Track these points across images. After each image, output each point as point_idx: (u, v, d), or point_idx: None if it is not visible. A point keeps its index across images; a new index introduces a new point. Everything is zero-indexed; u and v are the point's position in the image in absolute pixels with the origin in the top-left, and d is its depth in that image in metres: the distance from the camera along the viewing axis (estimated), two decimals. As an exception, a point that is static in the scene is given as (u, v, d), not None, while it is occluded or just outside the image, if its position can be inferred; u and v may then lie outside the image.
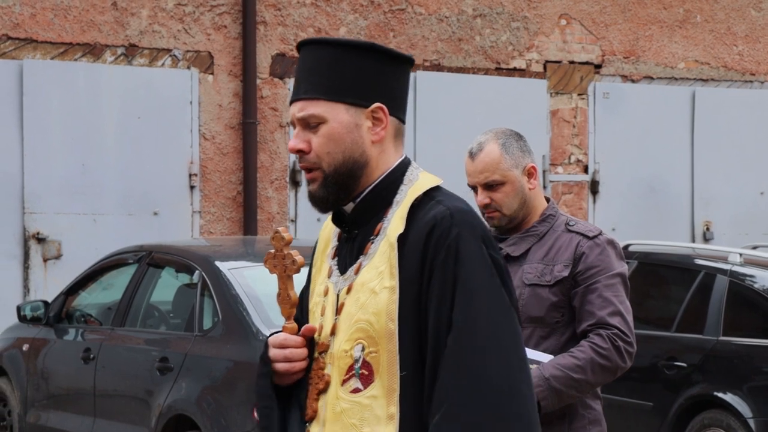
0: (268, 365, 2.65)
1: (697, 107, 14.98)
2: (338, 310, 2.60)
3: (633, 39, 14.66)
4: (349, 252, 2.67)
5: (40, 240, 12.07)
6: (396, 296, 2.53)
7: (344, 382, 2.55)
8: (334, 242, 2.75)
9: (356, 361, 2.58)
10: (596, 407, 4.38)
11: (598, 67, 14.43)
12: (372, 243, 2.60)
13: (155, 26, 12.47)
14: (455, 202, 2.58)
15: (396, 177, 2.64)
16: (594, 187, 14.64)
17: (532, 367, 4.12)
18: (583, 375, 4.25)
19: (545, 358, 4.33)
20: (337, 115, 2.55)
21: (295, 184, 12.99)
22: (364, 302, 2.58)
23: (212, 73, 12.92)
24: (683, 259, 9.90)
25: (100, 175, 12.31)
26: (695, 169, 14.85)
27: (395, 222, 2.61)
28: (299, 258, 2.62)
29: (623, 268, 4.44)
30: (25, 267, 12.09)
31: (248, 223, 12.98)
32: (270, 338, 2.65)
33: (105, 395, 8.71)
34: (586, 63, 14.37)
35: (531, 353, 4.21)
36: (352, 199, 2.63)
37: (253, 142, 13.09)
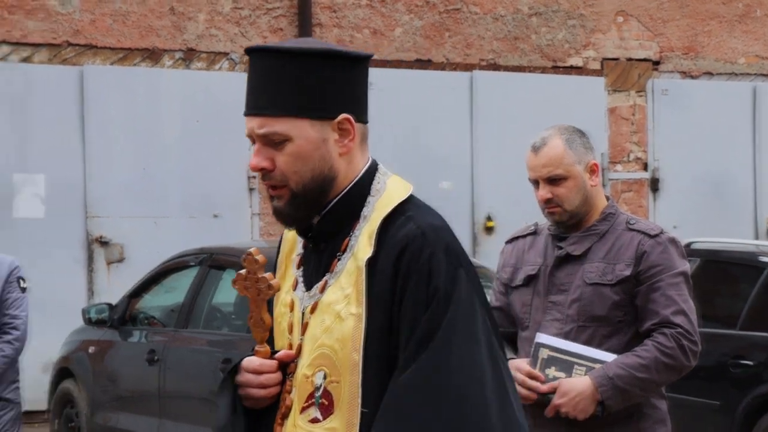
0: (231, 391, 2.54)
1: (758, 102, 14.78)
2: (303, 330, 2.50)
3: (692, 35, 14.49)
4: (315, 266, 2.55)
5: (103, 243, 12.12)
6: (363, 325, 2.42)
7: (303, 409, 2.46)
8: (299, 249, 2.62)
9: (317, 388, 2.48)
10: (662, 407, 4.35)
11: (656, 63, 14.27)
12: (338, 260, 2.49)
13: (212, 30, 12.54)
14: (427, 217, 2.48)
15: (363, 186, 2.52)
16: (654, 185, 14.49)
17: (595, 366, 4.26)
18: (648, 374, 4.22)
19: (608, 357, 4.30)
20: (302, 131, 2.43)
21: (352, 184, 12.67)
22: (329, 326, 2.47)
23: None
24: (747, 256, 9.74)
25: (160, 178, 12.39)
26: (757, 165, 14.69)
27: (363, 242, 2.50)
28: (275, 282, 2.51)
29: (686, 266, 4.40)
30: (89, 270, 12.16)
31: None
32: (244, 363, 2.51)
33: (170, 396, 8.74)
34: (644, 60, 14.22)
35: (594, 352, 4.30)
36: (318, 212, 2.52)
37: None
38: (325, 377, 2.44)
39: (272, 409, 2.53)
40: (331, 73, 2.46)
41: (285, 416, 2.47)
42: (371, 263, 2.40)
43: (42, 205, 12.03)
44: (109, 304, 9.44)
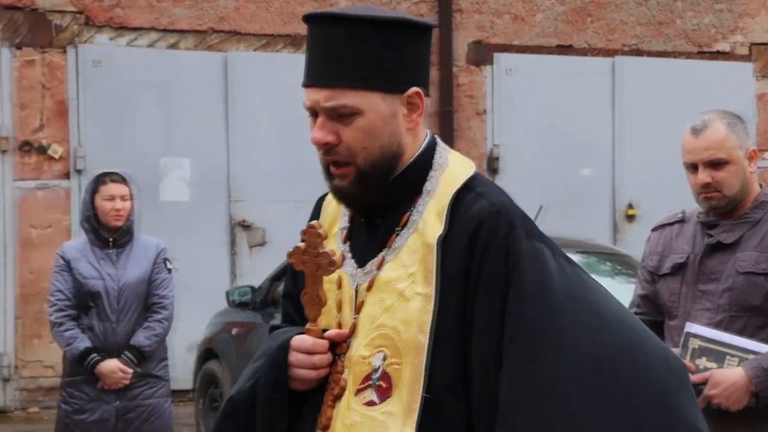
0: (283, 371, 2.41)
1: None
2: (357, 309, 2.40)
3: None
4: (368, 241, 2.44)
5: (246, 227, 12.32)
6: (431, 306, 2.32)
7: (358, 392, 2.35)
8: (344, 222, 2.50)
9: (375, 370, 2.38)
10: None
11: (808, 48, 13.59)
12: (397, 235, 2.38)
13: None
14: (498, 195, 2.37)
15: (425, 161, 2.41)
16: (804, 173, 13.52)
17: (749, 357, 4.18)
18: None
19: (763, 348, 4.20)
20: (373, 105, 2.30)
21: (493, 171, 12.81)
22: (390, 305, 2.37)
23: None
24: None
25: (302, 163, 11.94)
26: None
27: (431, 219, 2.39)
28: (337, 258, 2.37)
29: None
30: (232, 254, 12.38)
31: None
32: (294, 341, 2.39)
33: None
34: (796, 45, 13.60)
35: (747, 343, 4.24)
36: (382, 190, 2.40)
37: (450, 131, 12.91)
38: (384, 359, 2.36)
39: (315, 392, 2.42)
40: (403, 43, 2.35)
41: (338, 398, 2.38)
42: (442, 241, 2.32)
43: (187, 188, 12.22)
44: (252, 287, 9.59)
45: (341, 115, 2.28)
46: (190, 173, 12.24)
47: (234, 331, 9.87)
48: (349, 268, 2.40)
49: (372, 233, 2.40)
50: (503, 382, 2.27)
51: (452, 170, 2.38)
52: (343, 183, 2.33)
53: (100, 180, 7.03)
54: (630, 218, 13.23)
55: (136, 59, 11.96)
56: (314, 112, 2.33)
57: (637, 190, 13.30)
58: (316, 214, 2.54)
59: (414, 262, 2.34)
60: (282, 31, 12.37)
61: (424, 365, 2.28)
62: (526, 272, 2.29)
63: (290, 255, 2.38)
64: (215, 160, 12.26)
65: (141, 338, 6.93)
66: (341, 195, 2.36)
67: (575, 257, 8.27)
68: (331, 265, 2.35)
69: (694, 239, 4.45)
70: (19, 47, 11.57)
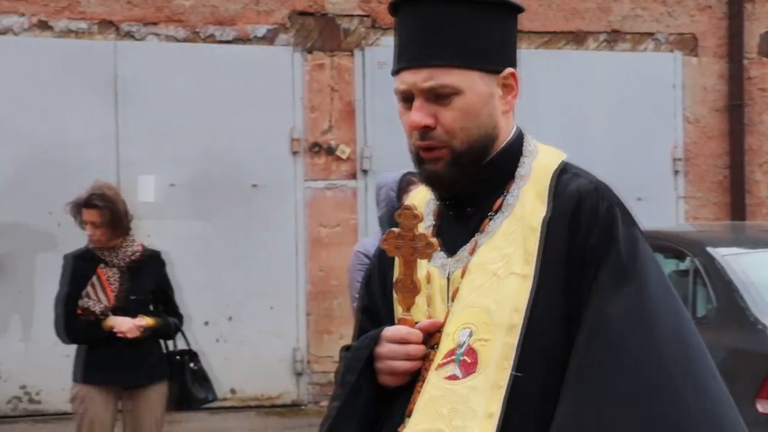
0: (369, 361, 2.41)
1: None
2: (453, 297, 2.40)
3: None
4: (461, 231, 2.43)
5: None
6: (529, 285, 2.31)
7: (440, 366, 2.35)
8: (428, 221, 2.49)
9: (459, 345, 2.37)
10: None
11: None
12: (490, 220, 2.37)
13: (638, 11, 12.48)
14: (593, 176, 2.36)
15: (516, 146, 2.41)
16: None
17: None
18: None
19: None
20: (473, 84, 2.30)
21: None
22: (482, 285, 2.36)
23: (696, 55, 12.65)
24: None
25: (588, 160, 11.99)
26: None
27: (529, 201, 2.38)
28: (435, 240, 2.37)
29: None
30: None
31: (736, 209, 12.60)
32: (386, 332, 2.40)
33: None
34: None
35: None
36: (473, 174, 2.40)
37: (740, 125, 12.66)
38: (471, 335, 2.35)
39: (401, 390, 2.40)
40: (498, 23, 2.34)
41: None
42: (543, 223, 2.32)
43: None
44: None
45: (439, 96, 2.28)
46: None
47: None
48: (438, 261, 2.40)
49: (463, 224, 2.40)
50: (574, 372, 2.25)
51: (544, 156, 2.38)
52: (436, 167, 2.33)
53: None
54: None
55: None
56: (407, 97, 2.32)
57: None
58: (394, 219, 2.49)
59: (510, 243, 2.33)
60: (564, 28, 12.31)
61: (516, 344, 2.26)
62: (622, 254, 2.28)
63: (384, 241, 2.39)
64: None
65: None
66: (434, 180, 2.35)
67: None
68: (428, 247, 2.34)
69: None
70: (309, 51, 11.94)
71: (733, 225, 11.73)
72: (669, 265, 8.70)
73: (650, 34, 12.43)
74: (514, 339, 2.27)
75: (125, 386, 7.02)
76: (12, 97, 10.95)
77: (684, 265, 8.43)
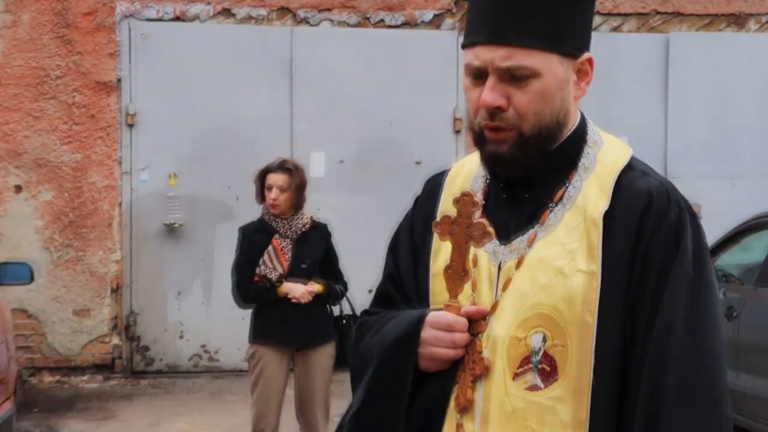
0: (414, 346, 2.29)
1: None
2: (504, 286, 2.28)
3: None
4: (512, 216, 2.31)
5: None
6: (597, 284, 2.20)
7: (516, 375, 2.23)
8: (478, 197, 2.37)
9: (534, 353, 2.25)
10: None
11: None
12: (551, 211, 2.26)
13: None
14: (661, 176, 2.27)
15: (581, 135, 2.29)
16: None
17: None
18: None
19: None
20: (551, 68, 2.19)
21: None
22: (548, 284, 2.24)
23: None
24: None
25: (737, 140, 12.34)
26: None
27: (593, 194, 2.27)
28: (492, 230, 2.24)
29: None
30: None
31: None
32: (431, 318, 2.27)
33: (751, 348, 8.73)
34: None
35: None
36: (538, 159, 2.28)
37: None
38: (545, 340, 2.25)
39: (444, 372, 2.30)
40: (581, 3, 2.26)
41: (478, 379, 2.26)
42: (605, 217, 2.23)
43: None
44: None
45: (515, 77, 2.18)
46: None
47: None
48: (489, 247, 2.31)
49: (516, 209, 2.30)
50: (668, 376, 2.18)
51: (610, 148, 2.29)
52: (501, 148, 2.22)
53: None
54: None
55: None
56: (479, 74, 2.22)
57: None
58: (432, 193, 2.44)
59: (574, 238, 2.24)
60: (725, 11, 12.16)
61: (593, 346, 2.19)
62: (690, 262, 2.19)
63: (437, 224, 2.28)
64: (653, 134, 12.18)
65: None
66: (496, 161, 2.25)
67: None
68: (485, 236, 2.24)
69: None
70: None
71: None
72: None
73: None
74: (590, 342, 2.20)
75: (296, 347, 7.14)
76: (196, 78, 11.33)
77: None
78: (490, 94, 2.17)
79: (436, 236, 2.32)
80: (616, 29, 12.06)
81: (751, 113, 12.30)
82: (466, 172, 2.39)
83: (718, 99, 12.21)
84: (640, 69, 12.15)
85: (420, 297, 2.37)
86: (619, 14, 12.12)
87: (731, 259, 9.61)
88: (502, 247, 2.28)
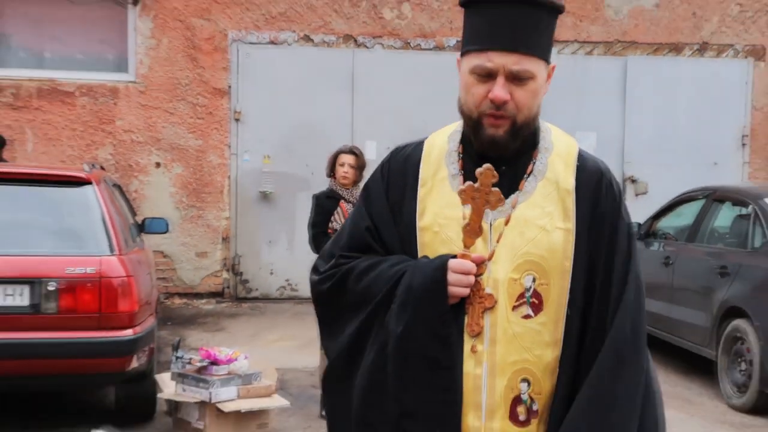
0: (445, 288, 2.20)
1: None
2: (497, 239, 2.25)
3: None
4: (495, 185, 2.26)
5: (633, 181, 12.35)
6: (572, 238, 2.23)
7: (515, 308, 2.23)
8: (453, 170, 2.32)
9: (527, 290, 2.26)
10: None
11: None
12: (525, 181, 2.25)
13: (723, 28, 12.22)
14: (598, 158, 2.33)
15: (538, 124, 2.29)
16: None
17: None
18: None
19: None
20: (540, 72, 2.18)
21: None
22: (534, 238, 2.24)
23: (764, 61, 12.34)
24: None
25: (675, 138, 12.32)
26: None
27: (560, 170, 2.29)
28: (502, 197, 2.22)
29: None
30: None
31: None
32: (454, 264, 2.20)
33: (679, 289, 8.78)
34: None
35: None
36: (522, 142, 2.26)
37: None
38: (534, 280, 2.24)
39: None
40: (554, 23, 2.24)
41: (486, 311, 2.23)
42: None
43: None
44: (638, 223, 9.46)
45: (517, 78, 2.16)
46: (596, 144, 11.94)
47: None
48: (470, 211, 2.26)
49: (499, 179, 2.25)
50: (621, 309, 2.20)
51: (559, 135, 2.29)
52: (498, 132, 2.19)
53: None
54: None
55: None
56: (489, 74, 2.18)
57: None
58: (404, 165, 2.34)
59: (550, 203, 2.23)
60: (668, 40, 12.22)
61: (569, 286, 2.21)
62: (628, 219, 2.26)
63: (461, 192, 2.22)
64: (615, 134, 12.23)
65: None
66: (493, 142, 2.21)
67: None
68: (499, 201, 2.20)
69: None
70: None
71: None
72: (735, 211, 8.73)
73: (730, 45, 12.30)
74: (567, 282, 2.22)
75: None
76: (284, 86, 11.47)
77: (745, 211, 8.35)
78: (501, 90, 2.15)
79: (421, 198, 2.28)
80: (588, 53, 12.16)
81: (687, 117, 12.40)
82: (438, 150, 2.32)
83: (662, 107, 12.33)
84: (606, 84, 12.21)
85: (404, 247, 2.29)
86: (590, 42, 12.15)
87: (669, 222, 9.71)
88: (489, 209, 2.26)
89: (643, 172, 12.32)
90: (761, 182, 12.06)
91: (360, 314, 2.25)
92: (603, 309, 2.21)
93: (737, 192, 8.79)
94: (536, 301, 2.23)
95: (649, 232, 9.55)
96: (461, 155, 2.27)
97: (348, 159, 6.90)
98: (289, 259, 11.54)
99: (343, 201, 6.90)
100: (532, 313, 2.22)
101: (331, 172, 7.00)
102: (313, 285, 2.37)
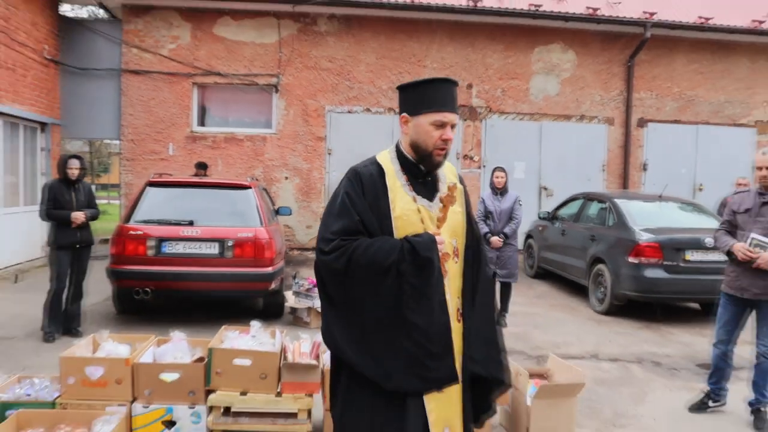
0: (436, 251, 2.28)
1: None
2: (440, 223, 2.32)
3: None
4: (428, 189, 2.34)
5: (545, 189, 12.56)
6: (464, 216, 2.41)
7: (454, 258, 2.36)
8: (403, 180, 2.34)
9: (455, 248, 2.39)
10: None
11: None
12: (441, 184, 2.32)
13: (588, 104, 12.62)
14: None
15: None
16: None
17: None
18: None
19: None
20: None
21: None
22: (455, 218, 2.39)
23: (613, 125, 12.67)
24: None
25: (568, 167, 12.61)
26: None
27: (451, 176, 2.35)
28: (456, 198, 2.28)
29: None
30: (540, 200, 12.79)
31: (624, 185, 12.76)
32: (437, 238, 2.31)
33: (569, 247, 9.23)
34: None
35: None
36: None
37: (626, 151, 12.66)
38: (455, 242, 2.40)
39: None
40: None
41: (446, 261, 2.32)
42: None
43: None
44: (547, 212, 10.07)
45: (452, 126, 2.27)
46: (525, 168, 12.29)
47: (540, 228, 10.48)
48: (424, 203, 2.38)
49: (427, 185, 2.37)
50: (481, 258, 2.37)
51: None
52: (441, 160, 2.31)
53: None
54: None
55: None
56: (442, 125, 2.27)
57: None
58: (373, 179, 2.34)
59: (455, 197, 2.37)
60: (562, 112, 12.56)
61: (464, 242, 2.39)
62: (471, 209, 2.37)
63: (443, 198, 2.29)
64: (535, 164, 12.41)
65: (507, 228, 7.11)
66: (438, 165, 2.29)
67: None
68: (453, 202, 2.31)
69: (755, 199, 4.42)
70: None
71: (624, 191, 12.06)
72: (599, 205, 8.85)
73: (595, 116, 12.83)
74: (464, 240, 2.38)
75: None
76: (354, 137, 11.85)
77: (604, 205, 8.64)
78: (451, 133, 2.25)
79: (391, 199, 2.30)
80: (521, 119, 12.61)
81: (574, 155, 12.81)
82: (389, 168, 2.34)
83: (561, 149, 12.81)
84: (530, 136, 12.65)
85: (382, 230, 2.31)
86: (522, 113, 12.53)
87: (564, 211, 9.93)
88: (431, 203, 2.36)
89: (550, 183, 12.78)
90: (613, 190, 12.67)
91: (374, 276, 2.24)
92: (476, 251, 2.36)
93: (600, 195, 9.12)
94: (455, 254, 2.37)
95: (553, 216, 10.02)
96: (404, 173, 2.36)
97: None
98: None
99: None
100: (456, 259, 2.38)
101: None
102: (327, 263, 2.28)
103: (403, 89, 2.35)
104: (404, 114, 2.38)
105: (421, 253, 2.29)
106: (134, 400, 3.97)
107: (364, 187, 2.34)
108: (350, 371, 2.26)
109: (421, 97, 2.34)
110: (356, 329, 2.24)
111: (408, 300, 2.25)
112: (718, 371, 4.72)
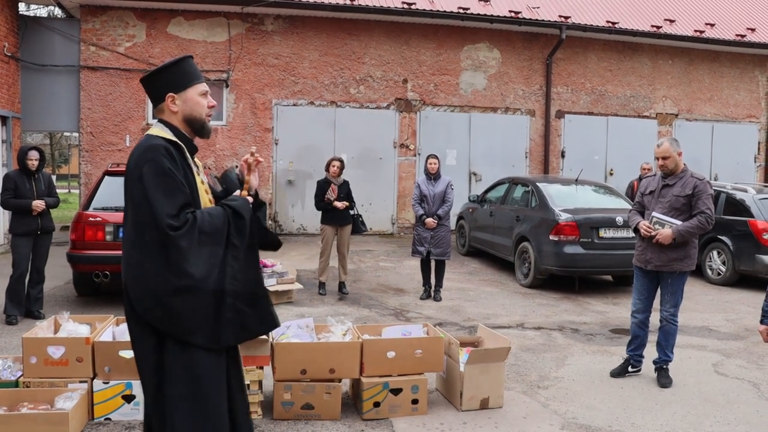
0: (253, 209, 2.30)
1: None
2: (207, 191, 2.35)
3: None
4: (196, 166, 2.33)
5: (474, 174, 12.61)
6: (207, 186, 2.34)
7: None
8: (190, 159, 2.33)
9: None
10: (695, 240, 4.38)
11: None
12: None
13: (515, 98, 12.76)
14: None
15: None
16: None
17: (673, 225, 4.09)
18: (694, 230, 4.28)
19: (679, 223, 4.29)
20: None
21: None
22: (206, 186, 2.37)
23: (534, 116, 12.85)
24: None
25: (494, 154, 12.76)
26: None
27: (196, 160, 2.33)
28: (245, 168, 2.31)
29: (706, 189, 4.29)
30: (469, 184, 12.87)
31: (546, 170, 13.00)
32: (247, 199, 2.32)
33: (495, 227, 9.24)
34: None
35: (673, 220, 4.32)
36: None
37: (546, 141, 12.98)
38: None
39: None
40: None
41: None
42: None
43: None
44: (477, 195, 10.01)
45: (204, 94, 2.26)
46: (456, 155, 12.34)
47: (470, 210, 10.40)
48: (205, 178, 2.39)
49: (194, 158, 2.34)
50: None
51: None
52: (210, 126, 2.30)
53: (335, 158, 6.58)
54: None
55: None
56: (205, 94, 2.32)
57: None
58: (174, 155, 2.23)
59: (200, 168, 2.38)
60: (489, 105, 12.69)
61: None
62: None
63: (245, 167, 2.30)
64: (465, 151, 12.47)
65: (440, 210, 7.01)
66: (210, 131, 2.31)
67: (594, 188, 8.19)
68: (249, 172, 2.35)
69: (659, 182, 4.50)
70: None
71: (545, 175, 11.60)
72: (523, 189, 8.75)
73: (519, 109, 13.00)
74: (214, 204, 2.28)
75: (339, 226, 6.95)
76: (300, 129, 11.66)
77: (528, 189, 8.57)
78: (214, 101, 2.26)
79: (195, 174, 2.28)
80: (452, 111, 12.58)
81: (501, 144, 12.89)
82: (173, 146, 2.24)
83: (489, 139, 12.93)
84: (461, 127, 12.75)
85: (194, 198, 2.28)
86: (453, 105, 12.54)
87: (492, 194, 9.79)
88: (203, 176, 2.32)
89: (479, 169, 12.94)
90: (535, 174, 12.84)
91: (217, 237, 2.21)
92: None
93: (524, 179, 9.08)
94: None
95: (482, 199, 9.91)
96: (180, 146, 2.28)
97: (336, 162, 7.01)
98: (301, 214, 11.99)
99: (333, 184, 6.94)
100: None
101: (327, 169, 7.03)
102: (179, 237, 2.16)
103: (161, 71, 2.30)
104: (170, 94, 2.34)
105: (243, 215, 2.32)
106: (95, 376, 3.90)
107: (173, 166, 2.27)
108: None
109: (183, 74, 2.32)
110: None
111: (239, 258, 2.29)
112: (636, 338, 4.72)
